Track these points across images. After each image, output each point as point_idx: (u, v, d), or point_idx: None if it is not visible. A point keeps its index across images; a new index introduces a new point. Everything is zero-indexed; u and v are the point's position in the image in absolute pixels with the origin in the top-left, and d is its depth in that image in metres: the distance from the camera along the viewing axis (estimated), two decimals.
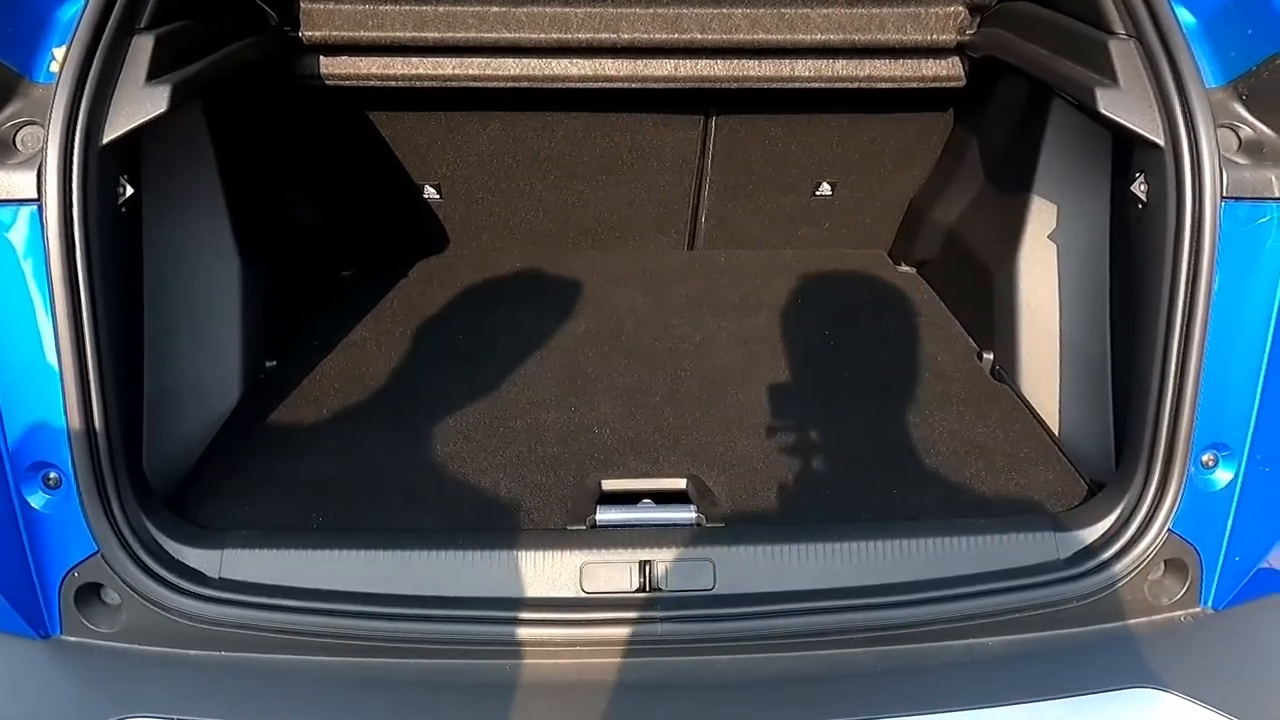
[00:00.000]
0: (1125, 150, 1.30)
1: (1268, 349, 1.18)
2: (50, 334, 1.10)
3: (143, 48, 1.17)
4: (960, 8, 1.66)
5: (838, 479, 1.44)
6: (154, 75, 1.17)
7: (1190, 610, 1.24)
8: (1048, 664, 1.20)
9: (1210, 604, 1.24)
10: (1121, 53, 1.24)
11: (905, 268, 2.15)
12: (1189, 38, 1.21)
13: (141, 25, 1.19)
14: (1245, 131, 1.18)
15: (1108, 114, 1.22)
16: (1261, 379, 1.18)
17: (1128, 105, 1.21)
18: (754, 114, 1.94)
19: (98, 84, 1.12)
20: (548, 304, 1.96)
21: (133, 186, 1.20)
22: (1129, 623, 1.22)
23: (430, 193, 2.04)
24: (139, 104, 1.14)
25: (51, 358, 1.10)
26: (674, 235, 2.19)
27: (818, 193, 2.11)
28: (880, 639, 1.19)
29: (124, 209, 1.19)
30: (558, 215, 2.11)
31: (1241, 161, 1.16)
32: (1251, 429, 1.19)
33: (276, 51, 1.57)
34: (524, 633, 1.15)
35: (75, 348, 1.09)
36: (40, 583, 1.14)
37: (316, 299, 1.92)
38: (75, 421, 1.10)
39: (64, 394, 1.10)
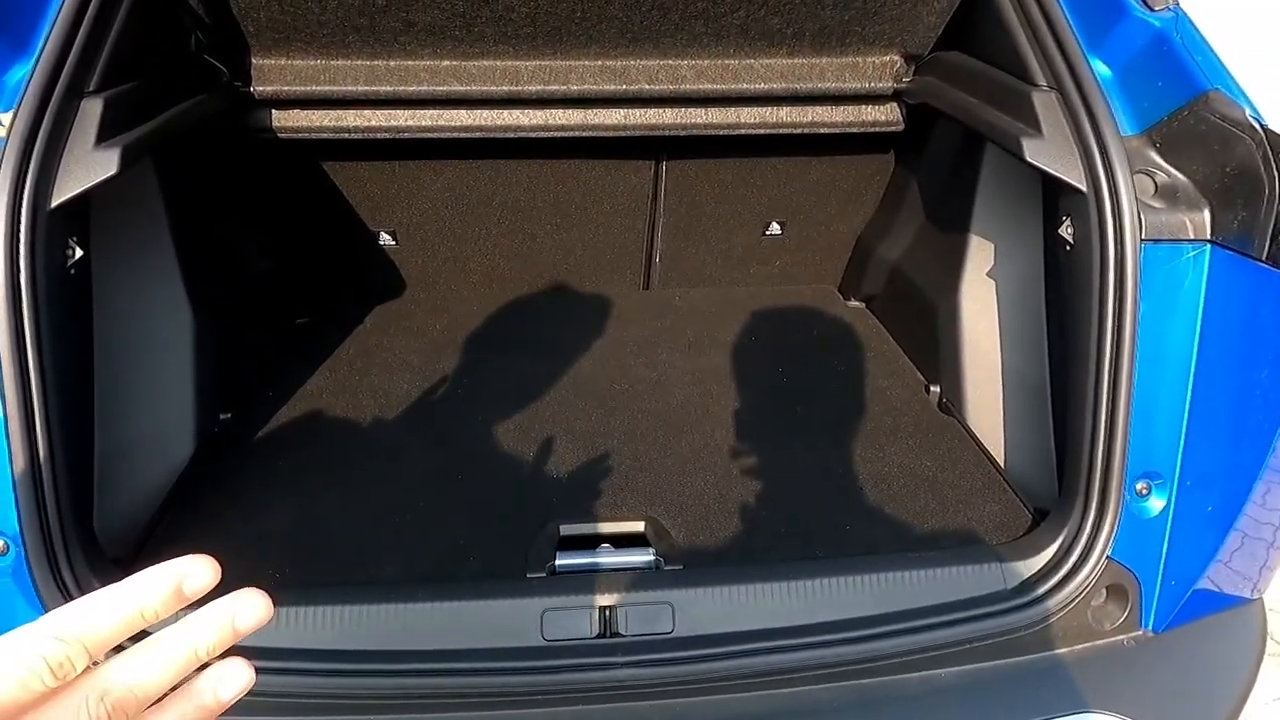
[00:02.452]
0: (1053, 195, 1.37)
1: (1191, 381, 1.24)
2: None
3: (92, 111, 1.18)
4: (896, 57, 1.73)
5: (792, 515, 1.46)
6: (103, 138, 1.17)
7: (1132, 634, 1.28)
8: (1000, 692, 1.24)
9: (1150, 627, 1.28)
10: (1044, 104, 1.31)
11: (854, 303, 2.21)
12: (1105, 89, 1.29)
13: (90, 88, 1.20)
14: (1161, 177, 1.25)
15: (1033, 161, 1.28)
16: (1187, 410, 1.24)
17: (1051, 153, 1.28)
18: (704, 158, 1.99)
19: (46, 148, 1.12)
20: (505, 348, 1.98)
21: (82, 248, 1.19)
22: (1075, 648, 1.26)
23: (386, 239, 2.06)
24: (88, 167, 1.15)
25: None
26: (629, 276, 2.22)
27: (768, 232, 2.17)
28: (838, 674, 1.21)
29: (73, 270, 1.18)
30: (514, 259, 2.13)
31: (1158, 205, 1.22)
32: (1180, 458, 1.25)
33: (228, 107, 1.58)
34: (486, 683, 1.15)
35: (22, 412, 1.08)
36: None
37: (271, 348, 1.91)
38: (22, 487, 1.09)
39: (10, 459, 1.08)
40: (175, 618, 0.41)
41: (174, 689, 0.40)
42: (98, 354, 1.33)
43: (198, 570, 0.40)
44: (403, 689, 1.14)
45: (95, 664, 0.38)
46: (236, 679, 0.40)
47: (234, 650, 0.42)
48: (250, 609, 0.40)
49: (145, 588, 0.39)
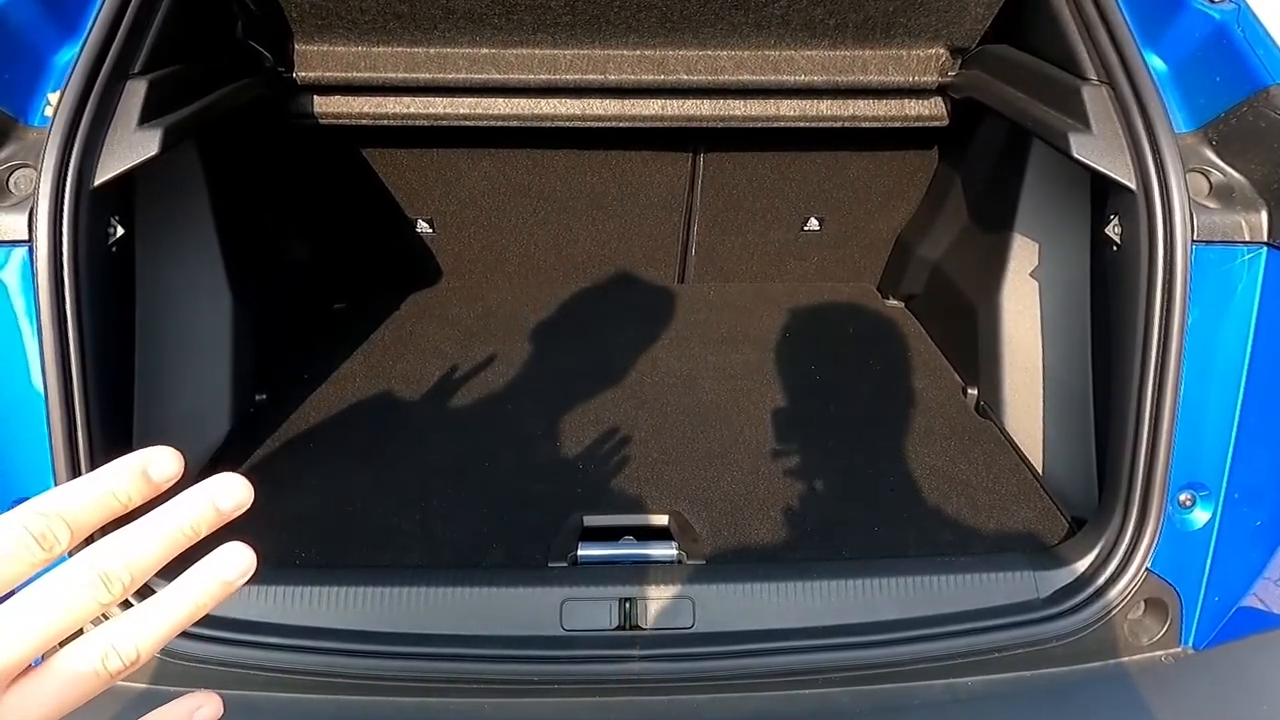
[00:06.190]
0: (1101, 193, 1.33)
1: (1242, 389, 1.19)
2: (39, 373, 1.11)
3: (136, 92, 1.20)
4: (942, 50, 1.69)
5: (820, 515, 1.44)
6: (146, 119, 1.19)
7: (1171, 650, 1.23)
8: (1028, 704, 1.20)
9: (1191, 644, 1.24)
10: (1094, 98, 1.26)
11: (893, 302, 2.17)
12: (1159, 84, 1.24)
13: (136, 70, 1.22)
14: (1216, 176, 1.20)
15: (1080, 158, 1.24)
16: (1236, 419, 1.19)
17: (1100, 150, 1.23)
18: (742, 151, 1.97)
19: (90, 128, 1.14)
20: (537, 338, 1.98)
21: (124, 227, 1.22)
22: (1109, 663, 1.22)
23: (423, 227, 2.07)
24: (131, 147, 1.17)
25: (39, 396, 1.11)
26: (664, 269, 2.21)
27: (806, 227, 2.14)
28: (860, 678, 1.19)
29: (115, 249, 1.21)
30: (549, 249, 2.13)
31: (1212, 206, 1.17)
32: (1227, 469, 1.20)
33: (271, 92, 1.60)
34: (504, 670, 1.15)
35: (63, 387, 1.11)
36: None
37: (307, 332, 1.93)
38: (62, 460, 1.11)
39: (50, 433, 1.11)
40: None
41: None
42: (139, 331, 1.36)
43: (160, 457, 0.42)
44: (421, 672, 1.14)
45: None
46: (239, 557, 0.42)
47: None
48: (229, 490, 0.42)
49: (114, 471, 0.41)
